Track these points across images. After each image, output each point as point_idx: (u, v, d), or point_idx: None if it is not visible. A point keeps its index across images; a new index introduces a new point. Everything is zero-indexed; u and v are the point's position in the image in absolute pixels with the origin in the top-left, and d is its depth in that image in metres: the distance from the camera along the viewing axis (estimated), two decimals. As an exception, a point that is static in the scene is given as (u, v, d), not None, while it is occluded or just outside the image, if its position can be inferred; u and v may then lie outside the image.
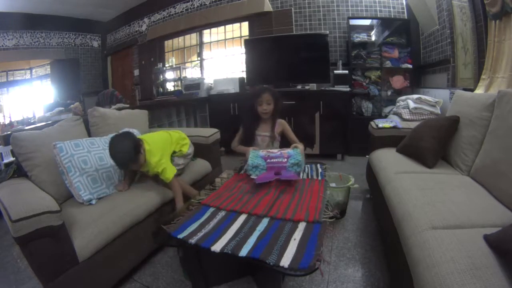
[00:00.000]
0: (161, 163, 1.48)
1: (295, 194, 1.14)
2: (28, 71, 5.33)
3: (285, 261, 0.71)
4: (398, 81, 3.22)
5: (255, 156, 1.43)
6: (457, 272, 0.69)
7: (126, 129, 1.65)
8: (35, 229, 0.93)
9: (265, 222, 0.93)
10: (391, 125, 2.05)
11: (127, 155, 1.35)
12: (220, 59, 4.43)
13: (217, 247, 0.79)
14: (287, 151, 1.43)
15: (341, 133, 3.06)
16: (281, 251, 0.75)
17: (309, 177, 1.35)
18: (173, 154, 1.69)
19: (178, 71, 4.78)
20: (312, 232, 0.85)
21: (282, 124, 1.75)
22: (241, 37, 4.14)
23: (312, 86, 3.25)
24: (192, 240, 0.83)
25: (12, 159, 2.00)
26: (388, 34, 3.26)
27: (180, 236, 0.87)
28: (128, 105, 3.37)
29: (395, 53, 3.21)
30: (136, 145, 1.39)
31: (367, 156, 2.12)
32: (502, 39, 1.78)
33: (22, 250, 0.99)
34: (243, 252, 0.76)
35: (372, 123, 2.19)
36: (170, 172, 1.48)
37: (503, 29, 1.77)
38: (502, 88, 1.50)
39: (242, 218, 0.97)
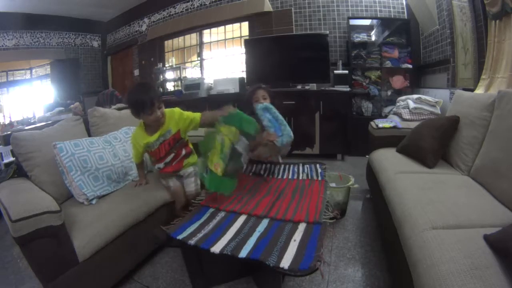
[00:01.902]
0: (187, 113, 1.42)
1: (295, 195, 1.14)
2: (28, 71, 5.33)
3: (285, 262, 0.71)
4: (398, 81, 3.21)
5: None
6: (457, 272, 0.69)
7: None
8: (35, 229, 0.93)
9: (265, 223, 0.93)
10: (391, 125, 2.05)
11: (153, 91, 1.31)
12: (220, 59, 4.43)
13: (216, 248, 0.78)
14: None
15: (341, 133, 3.05)
16: (281, 252, 0.75)
17: (309, 177, 1.35)
18: None
19: (178, 71, 4.78)
20: (312, 233, 0.85)
21: None
22: (241, 37, 4.14)
23: (312, 86, 3.25)
24: (192, 241, 0.83)
25: (12, 159, 2.00)
26: (388, 34, 3.26)
27: (180, 237, 0.87)
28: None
29: (395, 53, 3.21)
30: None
31: (367, 156, 2.12)
32: (502, 39, 1.78)
33: (22, 250, 0.99)
34: (243, 253, 0.75)
35: (372, 123, 2.19)
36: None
37: (503, 29, 1.76)
38: (502, 88, 1.50)
39: (242, 219, 0.97)
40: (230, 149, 1.15)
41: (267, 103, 1.50)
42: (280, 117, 1.41)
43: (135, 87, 1.35)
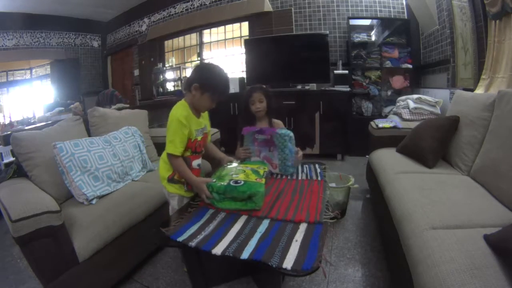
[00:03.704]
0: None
1: (295, 195, 1.13)
2: (28, 71, 5.33)
3: (288, 263, 0.71)
4: (398, 81, 3.22)
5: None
6: (457, 272, 0.69)
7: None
8: (35, 229, 0.93)
9: (265, 223, 0.93)
10: (391, 125, 2.06)
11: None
12: (220, 59, 4.43)
13: (218, 250, 0.78)
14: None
15: (341, 133, 3.06)
16: (283, 253, 0.75)
17: (308, 177, 1.35)
18: None
19: (178, 71, 4.78)
20: (314, 233, 0.85)
21: (279, 125, 1.67)
22: (241, 37, 4.14)
23: (312, 86, 3.25)
24: (193, 243, 0.83)
25: (12, 159, 2.00)
26: (388, 34, 3.26)
27: (180, 239, 0.86)
28: (128, 105, 3.37)
29: (395, 53, 3.21)
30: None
31: (367, 156, 2.12)
32: (502, 39, 1.78)
33: (22, 250, 0.99)
34: (245, 255, 0.75)
35: (372, 123, 2.19)
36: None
37: (503, 29, 1.77)
38: (502, 88, 1.50)
39: (242, 219, 0.96)
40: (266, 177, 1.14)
41: (285, 128, 1.45)
42: (294, 149, 1.41)
43: (220, 69, 1.17)
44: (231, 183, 1.04)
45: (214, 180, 1.08)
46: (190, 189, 1.21)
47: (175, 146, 1.11)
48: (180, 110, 1.14)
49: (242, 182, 1.03)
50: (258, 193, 1.00)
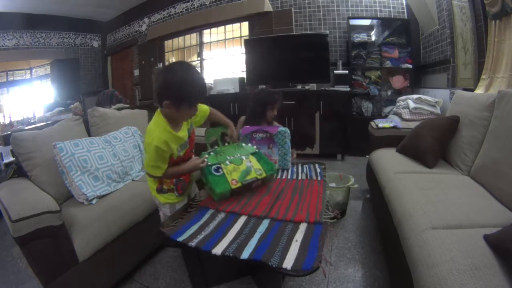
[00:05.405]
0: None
1: (295, 195, 1.13)
2: (28, 71, 5.33)
3: (288, 263, 0.71)
4: (398, 81, 3.22)
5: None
6: (457, 272, 0.69)
7: None
8: (35, 229, 0.94)
9: (265, 223, 0.93)
10: (391, 125, 2.06)
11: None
12: (220, 59, 4.43)
13: (218, 250, 0.78)
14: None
15: (341, 133, 3.06)
16: (283, 253, 0.75)
17: (308, 177, 1.35)
18: None
19: (178, 71, 4.77)
20: (314, 233, 0.84)
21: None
22: (241, 37, 4.14)
23: (312, 86, 3.26)
24: (193, 243, 0.83)
25: (12, 159, 2.00)
26: (388, 34, 3.26)
27: (180, 239, 0.86)
28: (128, 105, 3.38)
29: (395, 53, 3.21)
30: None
31: (367, 156, 2.12)
32: (502, 39, 1.78)
33: (22, 250, 0.99)
34: (245, 255, 0.75)
35: (372, 123, 2.19)
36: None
37: (503, 29, 1.77)
38: (502, 88, 1.50)
39: (242, 219, 0.96)
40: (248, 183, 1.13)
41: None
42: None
43: (184, 71, 0.97)
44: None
45: (211, 154, 1.16)
46: (181, 194, 1.18)
47: (161, 169, 1.03)
48: (157, 134, 0.99)
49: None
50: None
